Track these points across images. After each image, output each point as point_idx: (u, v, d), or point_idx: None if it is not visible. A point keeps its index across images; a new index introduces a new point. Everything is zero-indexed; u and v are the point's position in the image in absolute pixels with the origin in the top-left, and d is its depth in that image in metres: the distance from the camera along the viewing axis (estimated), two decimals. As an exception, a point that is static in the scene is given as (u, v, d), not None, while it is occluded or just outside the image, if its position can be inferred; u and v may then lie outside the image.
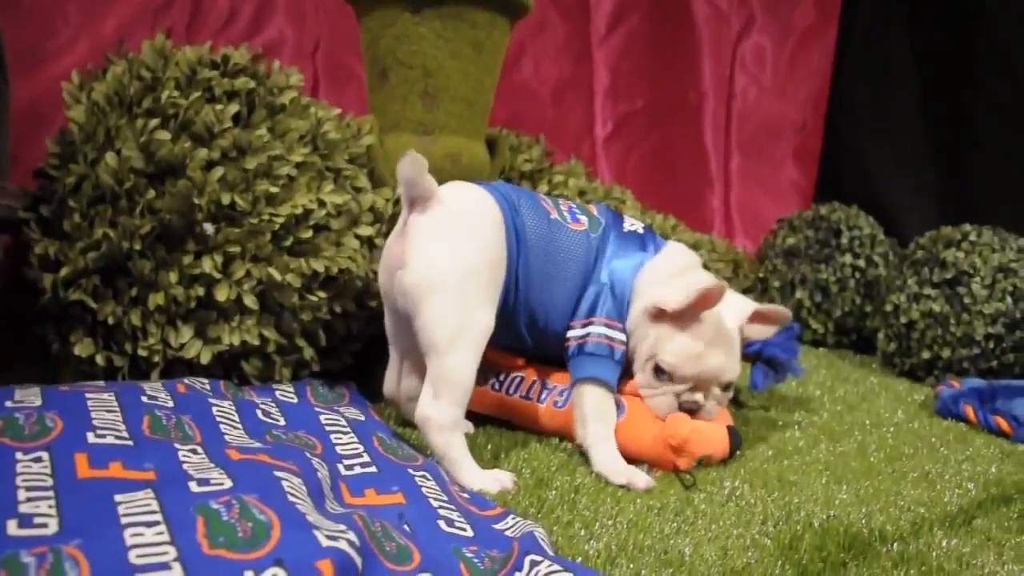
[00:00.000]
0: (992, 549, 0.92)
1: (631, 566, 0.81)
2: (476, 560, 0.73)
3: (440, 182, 1.32)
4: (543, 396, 1.20)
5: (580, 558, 0.82)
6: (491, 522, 0.83)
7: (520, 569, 0.67)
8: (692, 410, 1.13)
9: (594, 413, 1.10)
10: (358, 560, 0.59)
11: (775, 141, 2.65)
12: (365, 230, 1.26)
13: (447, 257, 1.05)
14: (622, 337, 1.15)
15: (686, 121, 2.55)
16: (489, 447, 1.12)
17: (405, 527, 0.77)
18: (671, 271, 1.18)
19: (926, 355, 1.66)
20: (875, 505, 1.00)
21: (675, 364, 1.11)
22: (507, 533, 0.80)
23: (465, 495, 0.90)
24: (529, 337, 1.19)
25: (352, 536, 0.61)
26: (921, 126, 2.40)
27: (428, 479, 0.88)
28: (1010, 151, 2.16)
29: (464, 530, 0.79)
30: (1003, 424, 1.36)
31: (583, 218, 1.20)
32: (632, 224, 1.25)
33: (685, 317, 1.12)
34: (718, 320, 1.14)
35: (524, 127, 1.85)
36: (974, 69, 2.24)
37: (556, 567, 0.66)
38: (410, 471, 0.89)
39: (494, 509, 0.87)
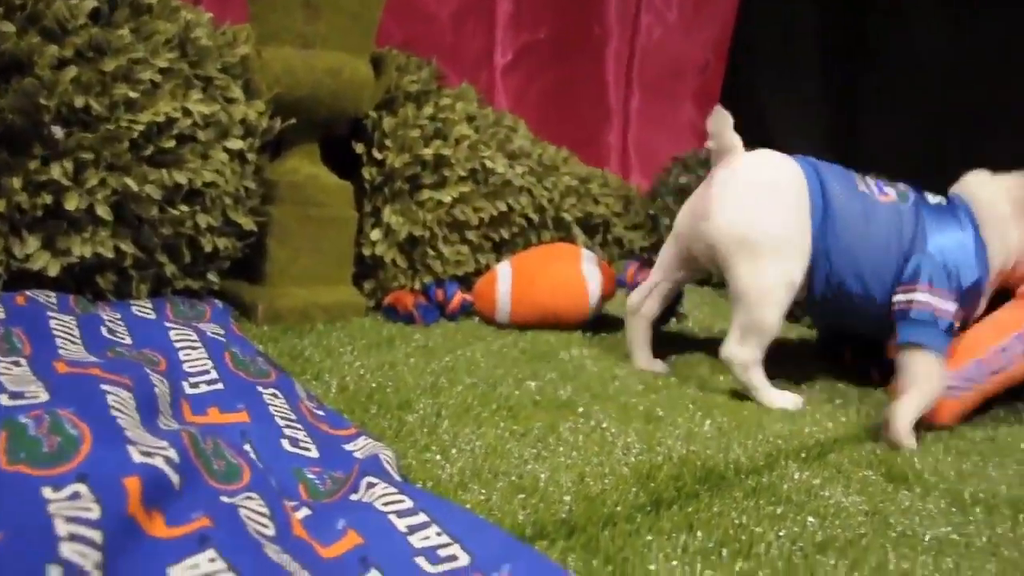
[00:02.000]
0: (840, 481, 0.94)
1: (483, 491, 0.79)
2: (317, 481, 0.71)
3: (319, 97, 1.29)
4: None
5: (432, 482, 0.80)
6: (341, 442, 0.81)
7: (356, 491, 0.65)
8: None
9: (915, 380, 1.11)
10: (174, 478, 0.56)
11: (676, 81, 2.65)
12: (235, 143, 1.20)
13: (751, 216, 1.15)
14: (948, 307, 1.15)
15: (588, 56, 2.52)
16: (356, 365, 1.09)
17: (246, 446, 0.73)
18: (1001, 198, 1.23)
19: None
20: (735, 439, 1.00)
21: None
22: (355, 454, 0.77)
23: (320, 413, 0.87)
24: (837, 306, 1.24)
25: (172, 453, 0.58)
26: (819, 74, 2.42)
27: (278, 397, 0.85)
28: (899, 101, 2.19)
29: (308, 450, 0.76)
30: (847, 353, 1.40)
31: (890, 190, 1.24)
32: (935, 197, 1.27)
33: None
34: None
35: (421, 51, 1.78)
36: (871, 22, 2.26)
37: (392, 490, 0.63)
38: (259, 388, 0.85)
39: (348, 429, 0.85)
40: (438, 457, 0.86)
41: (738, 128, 2.56)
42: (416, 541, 0.58)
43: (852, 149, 2.26)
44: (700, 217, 1.20)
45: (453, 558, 0.57)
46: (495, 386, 1.08)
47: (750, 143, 2.15)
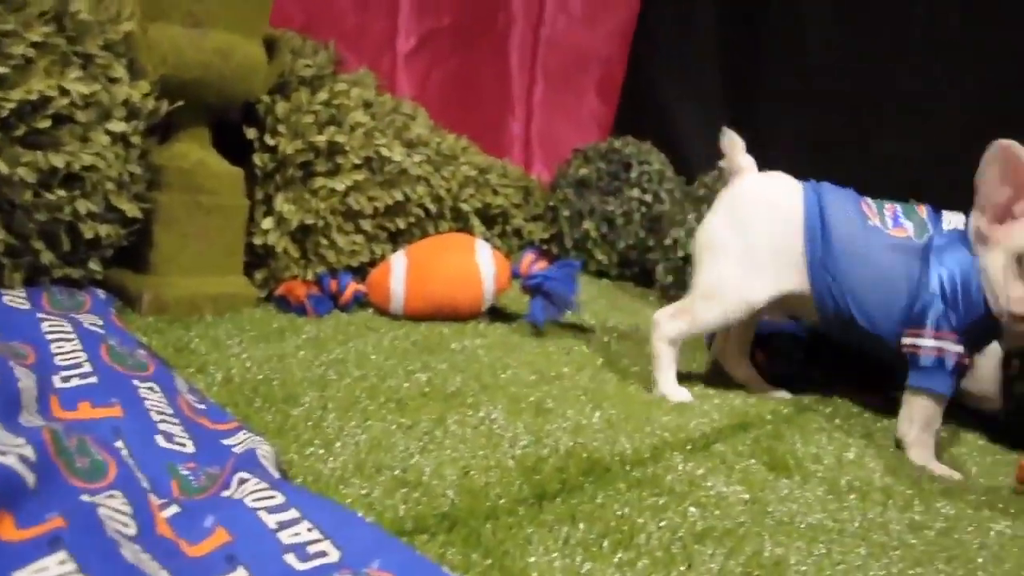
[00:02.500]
0: (723, 472, 0.96)
1: (364, 486, 0.78)
2: (191, 477, 0.68)
3: (209, 79, 1.26)
4: None
5: (312, 477, 0.78)
6: (220, 437, 0.78)
7: (228, 487, 0.63)
8: None
9: (921, 421, 1.16)
10: (29, 477, 0.53)
11: (580, 71, 2.66)
12: (118, 125, 1.15)
13: (730, 228, 1.20)
14: (954, 348, 1.15)
15: (493, 44, 2.51)
16: (243, 357, 1.06)
17: (118, 442, 0.71)
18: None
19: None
20: (623, 431, 1.01)
21: None
22: (234, 449, 0.75)
23: (201, 407, 0.85)
24: (851, 335, 1.25)
25: (28, 451, 0.55)
26: (718, 69, 2.47)
27: (155, 391, 0.82)
28: (795, 101, 2.25)
29: (184, 446, 0.73)
30: (758, 355, 1.43)
31: (907, 223, 1.21)
32: (950, 222, 1.23)
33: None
34: None
35: (320, 34, 1.75)
36: (766, 16, 2.31)
37: (263, 486, 0.62)
38: (135, 382, 0.82)
39: (228, 423, 0.82)
40: (321, 451, 0.84)
41: (640, 120, 2.58)
42: (286, 537, 0.56)
43: (749, 140, 2.31)
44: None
45: (323, 554, 0.55)
46: (385, 378, 1.07)
47: (651, 136, 2.19)
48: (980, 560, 0.90)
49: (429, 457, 0.86)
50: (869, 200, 1.26)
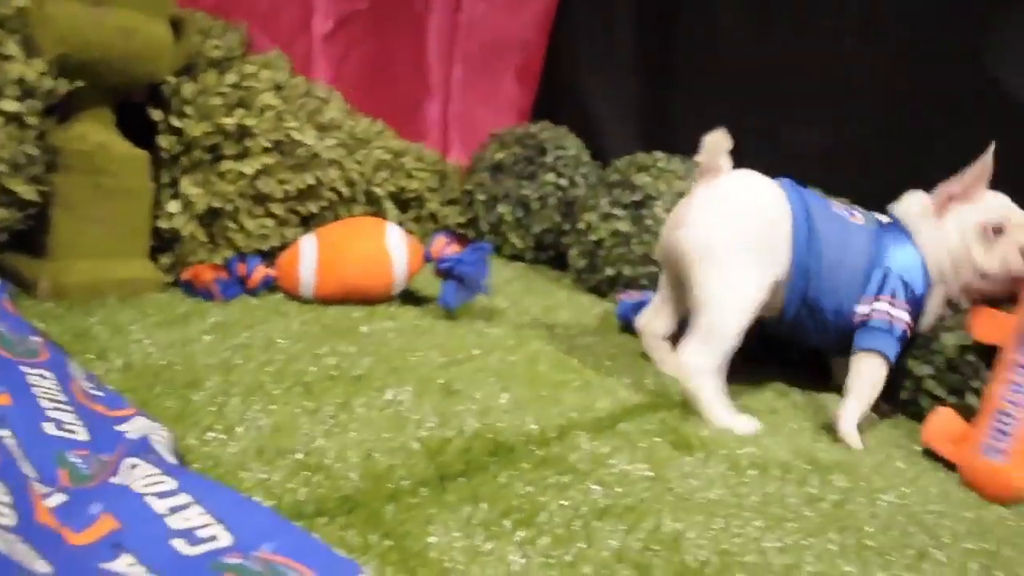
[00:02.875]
0: (628, 450, 0.98)
1: (264, 470, 0.77)
2: (82, 465, 0.67)
3: (111, 59, 1.22)
4: None
5: (211, 463, 0.78)
6: (115, 423, 0.77)
7: (115, 474, 0.62)
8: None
9: (861, 383, 1.21)
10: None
11: (498, 56, 2.65)
12: (11, 105, 1.12)
13: (724, 228, 1.19)
14: (904, 316, 1.23)
15: (410, 28, 2.48)
16: (146, 343, 1.04)
17: (4, 431, 0.69)
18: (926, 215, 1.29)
19: (611, 271, 1.74)
20: (530, 412, 1.02)
21: (1003, 215, 1.25)
22: (128, 435, 0.74)
23: (98, 393, 0.83)
24: (812, 322, 1.29)
25: None
26: (635, 56, 2.48)
27: (46, 377, 0.80)
28: (708, 90, 2.28)
29: (75, 433, 0.72)
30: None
31: (857, 214, 1.31)
32: (881, 216, 1.34)
33: (971, 193, 1.27)
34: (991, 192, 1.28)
35: (233, 15, 1.71)
36: (683, 8, 2.34)
37: (154, 471, 0.61)
38: (23, 369, 0.79)
39: (125, 409, 0.81)
40: (222, 436, 0.83)
41: (557, 106, 2.59)
42: (175, 523, 0.56)
43: (664, 128, 2.34)
44: (676, 227, 1.24)
45: (213, 538, 0.55)
46: (291, 362, 1.06)
47: (568, 121, 2.20)
48: (870, 529, 0.94)
49: (333, 440, 0.86)
50: (820, 195, 1.33)
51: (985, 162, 1.26)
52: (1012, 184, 1.61)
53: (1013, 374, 1.18)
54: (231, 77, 1.38)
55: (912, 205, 1.33)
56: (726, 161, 1.25)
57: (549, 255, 2.02)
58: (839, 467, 1.09)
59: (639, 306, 1.52)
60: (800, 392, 1.36)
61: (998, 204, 1.28)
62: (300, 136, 1.42)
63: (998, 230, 1.25)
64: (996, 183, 1.58)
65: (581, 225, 1.81)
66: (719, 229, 1.20)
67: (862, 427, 1.22)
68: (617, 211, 1.74)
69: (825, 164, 1.83)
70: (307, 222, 1.47)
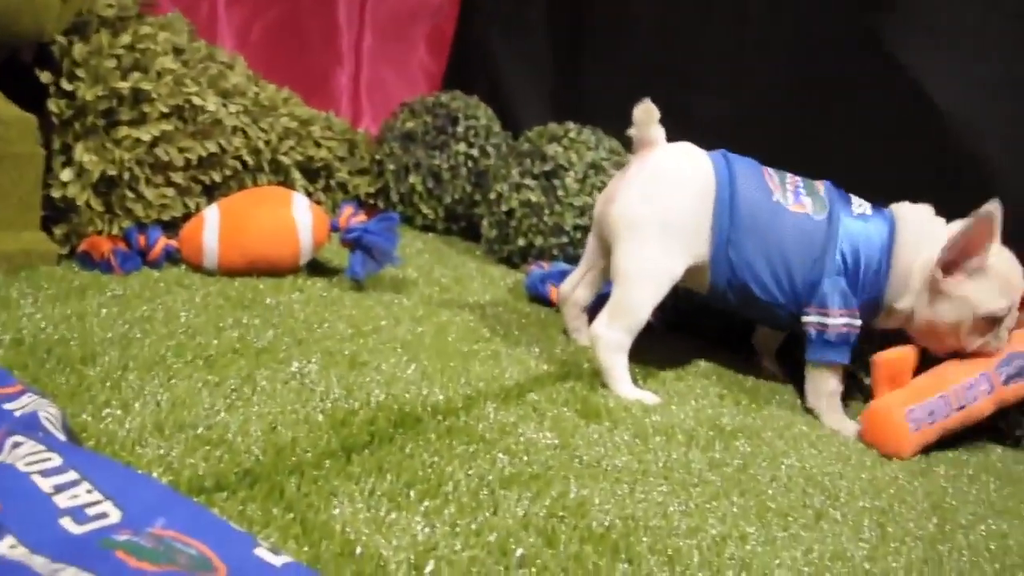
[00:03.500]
0: (535, 419, 0.99)
1: (162, 445, 0.75)
2: (-36, 445, 0.64)
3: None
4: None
5: (106, 439, 0.75)
6: (3, 401, 0.74)
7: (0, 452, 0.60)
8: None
9: (828, 391, 1.24)
10: None
11: (410, 24, 2.61)
12: None
13: (647, 202, 1.19)
14: (857, 322, 1.22)
15: (320, -7, 2.43)
16: (37, 318, 1.00)
17: None
18: (925, 232, 1.22)
19: (522, 242, 1.74)
20: (437, 383, 1.02)
21: (1004, 304, 1.18)
22: (15, 414, 0.71)
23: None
24: (737, 300, 1.28)
25: None
26: (546, 25, 2.47)
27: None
28: (617, 57, 2.29)
29: (-48, 412, 0.69)
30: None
31: (806, 199, 1.25)
32: (861, 206, 1.28)
33: (975, 263, 1.17)
34: (997, 250, 1.19)
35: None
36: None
37: (39, 448, 0.58)
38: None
39: (12, 387, 0.77)
40: (118, 412, 0.81)
41: (469, 74, 2.56)
42: (62, 501, 0.54)
43: (576, 99, 2.35)
44: (607, 201, 1.24)
45: (103, 515, 0.53)
46: (194, 336, 1.04)
47: (480, 90, 2.19)
48: (770, 492, 0.96)
49: (235, 414, 0.84)
50: (772, 171, 1.29)
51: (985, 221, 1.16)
52: (903, 158, 1.67)
53: (977, 377, 1.22)
54: (125, 38, 1.33)
55: (913, 212, 1.28)
56: (658, 132, 1.25)
57: (461, 226, 2.01)
58: (742, 432, 1.12)
59: (549, 277, 1.53)
60: (707, 361, 1.38)
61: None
62: (201, 102, 1.37)
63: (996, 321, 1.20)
64: (889, 158, 1.63)
65: (492, 195, 1.80)
66: (644, 205, 1.20)
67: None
68: (528, 181, 1.74)
69: (734, 136, 1.85)
70: (210, 191, 1.43)
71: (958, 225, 1.20)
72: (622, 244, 1.20)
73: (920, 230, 1.23)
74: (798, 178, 1.30)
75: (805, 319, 1.25)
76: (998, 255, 1.19)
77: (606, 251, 1.28)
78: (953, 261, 1.18)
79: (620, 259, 1.20)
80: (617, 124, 1.93)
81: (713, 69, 2.00)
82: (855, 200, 1.30)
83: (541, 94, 2.42)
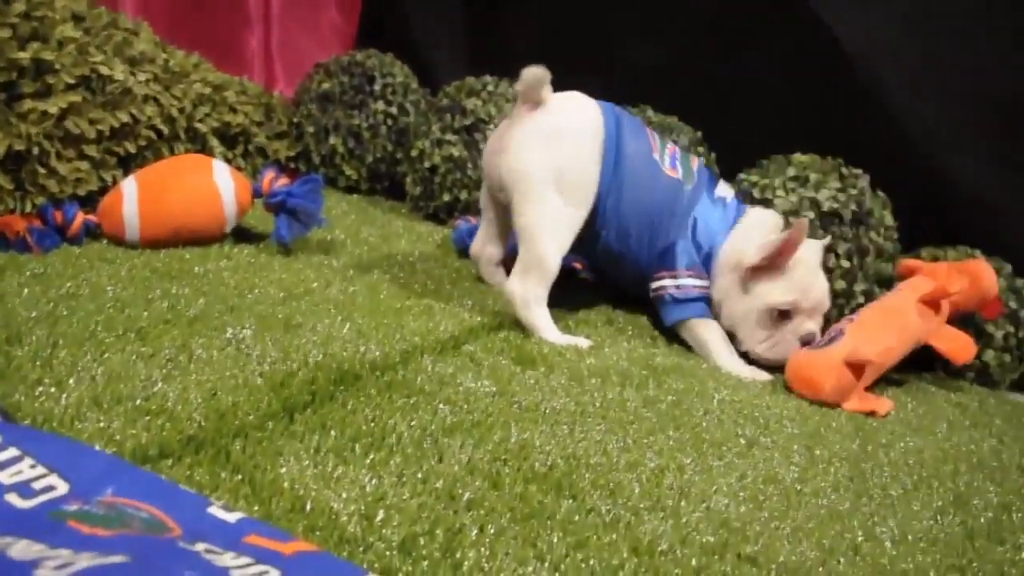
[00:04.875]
0: (471, 368, 1.00)
1: (102, 419, 0.75)
2: None
3: None
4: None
5: (43, 417, 0.74)
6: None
7: (-66, 435, 0.59)
8: (809, 342, 1.25)
9: (711, 339, 1.27)
10: None
11: (318, -17, 2.56)
12: None
13: (541, 154, 1.19)
14: (706, 283, 1.28)
15: (223, -45, 2.36)
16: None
17: None
18: (754, 235, 1.26)
19: (447, 197, 1.74)
20: (374, 339, 1.03)
21: (795, 299, 1.23)
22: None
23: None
24: (605, 256, 1.32)
25: None
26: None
27: None
28: (532, 9, 2.28)
29: None
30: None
31: (680, 168, 1.30)
32: (724, 191, 1.34)
33: (778, 263, 1.23)
34: (806, 256, 1.25)
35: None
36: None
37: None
38: None
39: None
40: (52, 389, 0.79)
41: (382, 33, 2.53)
42: (6, 478, 0.53)
43: (494, 52, 2.34)
44: (496, 152, 1.24)
45: (50, 488, 0.53)
46: (123, 309, 1.02)
47: (394, 48, 2.16)
48: (704, 424, 1.00)
49: (174, 383, 0.84)
50: (654, 134, 1.32)
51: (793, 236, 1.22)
52: (812, 97, 1.71)
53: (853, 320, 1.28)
54: (19, 6, 1.27)
55: (767, 212, 1.35)
56: (548, 93, 1.24)
57: (385, 185, 2.00)
58: (675, 371, 1.16)
59: (476, 230, 1.54)
60: (637, 306, 1.41)
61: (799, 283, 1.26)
62: (108, 71, 1.33)
63: (783, 312, 1.26)
64: (800, 98, 1.67)
65: (414, 153, 1.80)
66: (538, 157, 1.20)
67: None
68: (449, 136, 1.74)
69: (653, 82, 1.87)
70: (126, 163, 1.39)
71: (774, 233, 1.27)
72: (521, 199, 1.21)
73: (751, 234, 1.28)
74: (677, 148, 1.35)
75: (656, 284, 1.29)
76: (805, 254, 1.25)
77: (500, 203, 1.30)
78: (763, 264, 1.24)
79: (521, 215, 1.21)
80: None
81: (629, 18, 2.01)
82: (721, 184, 1.36)
83: (457, 49, 2.41)
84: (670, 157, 1.31)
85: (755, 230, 1.28)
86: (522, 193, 1.20)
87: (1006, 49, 1.61)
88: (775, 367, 1.26)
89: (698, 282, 1.28)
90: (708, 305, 1.29)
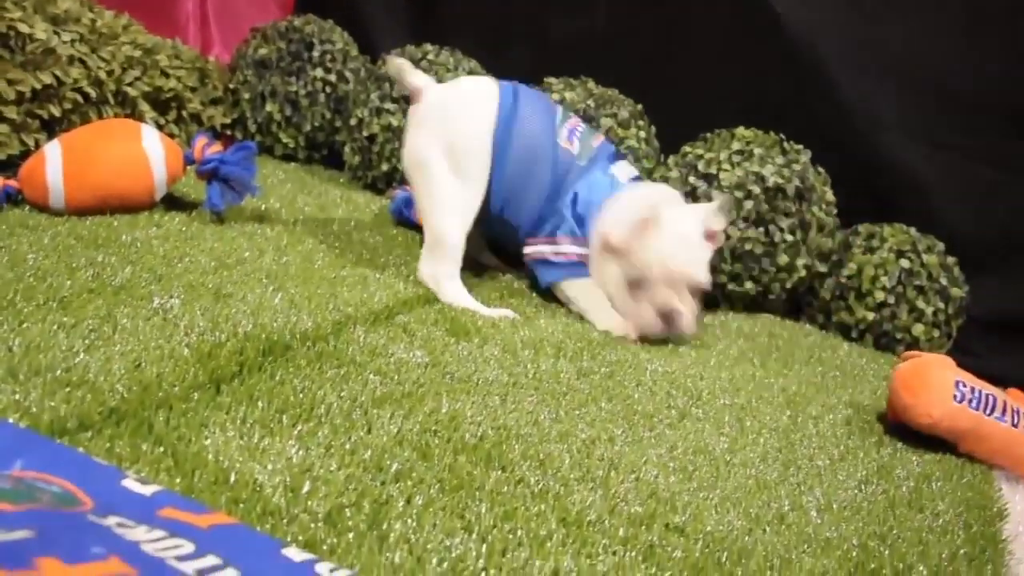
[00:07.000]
0: (404, 339, 1.00)
1: (18, 390, 0.72)
2: None
3: None
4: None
5: (-44, 393, 0.72)
6: None
7: None
8: (671, 319, 1.23)
9: (580, 296, 1.30)
10: None
11: (256, -54, 2.50)
12: None
13: (428, 137, 1.24)
14: (585, 250, 1.30)
15: (155, -88, 2.29)
16: None
17: None
18: (621, 213, 1.26)
19: (385, 167, 1.72)
20: (305, 310, 1.01)
21: (646, 267, 1.22)
22: None
23: None
24: (500, 226, 1.34)
25: None
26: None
27: None
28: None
29: None
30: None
31: (578, 143, 1.32)
32: (621, 171, 1.34)
33: (638, 240, 1.23)
34: (676, 230, 1.24)
35: None
36: None
37: None
38: None
39: None
40: (-32, 365, 0.77)
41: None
42: (-90, 453, 0.52)
43: (431, 21, 2.31)
44: (403, 144, 1.30)
45: (-43, 463, 0.51)
46: (44, 278, 0.99)
47: (333, 15, 2.12)
48: (636, 396, 1.01)
49: (96, 354, 0.82)
50: (561, 110, 1.35)
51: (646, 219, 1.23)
52: (757, 77, 1.72)
53: None
54: (-56, -34, 1.23)
55: (655, 188, 1.38)
56: (420, 78, 1.29)
57: (323, 154, 1.97)
58: (610, 344, 1.16)
59: (410, 200, 1.53)
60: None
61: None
62: (28, 29, 1.29)
63: (636, 284, 1.26)
64: (734, 67, 1.68)
65: (353, 121, 1.78)
66: (427, 141, 1.24)
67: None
68: (389, 105, 1.72)
69: (587, 55, 1.87)
70: (49, 127, 1.35)
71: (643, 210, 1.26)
72: (418, 183, 1.26)
73: (629, 206, 1.27)
74: (583, 124, 1.37)
75: (531, 248, 1.33)
76: (676, 225, 1.25)
77: None
78: (629, 236, 1.24)
79: (420, 198, 1.27)
80: (475, 45, 1.93)
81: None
82: (624, 165, 1.37)
83: (397, 17, 2.37)
84: (568, 131, 1.33)
85: (623, 208, 1.28)
86: (419, 177, 1.25)
87: (942, 30, 1.64)
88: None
89: (578, 249, 1.31)
90: (569, 263, 1.32)
